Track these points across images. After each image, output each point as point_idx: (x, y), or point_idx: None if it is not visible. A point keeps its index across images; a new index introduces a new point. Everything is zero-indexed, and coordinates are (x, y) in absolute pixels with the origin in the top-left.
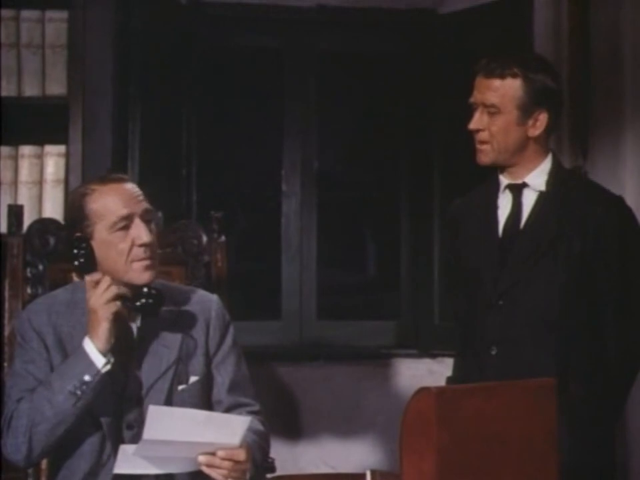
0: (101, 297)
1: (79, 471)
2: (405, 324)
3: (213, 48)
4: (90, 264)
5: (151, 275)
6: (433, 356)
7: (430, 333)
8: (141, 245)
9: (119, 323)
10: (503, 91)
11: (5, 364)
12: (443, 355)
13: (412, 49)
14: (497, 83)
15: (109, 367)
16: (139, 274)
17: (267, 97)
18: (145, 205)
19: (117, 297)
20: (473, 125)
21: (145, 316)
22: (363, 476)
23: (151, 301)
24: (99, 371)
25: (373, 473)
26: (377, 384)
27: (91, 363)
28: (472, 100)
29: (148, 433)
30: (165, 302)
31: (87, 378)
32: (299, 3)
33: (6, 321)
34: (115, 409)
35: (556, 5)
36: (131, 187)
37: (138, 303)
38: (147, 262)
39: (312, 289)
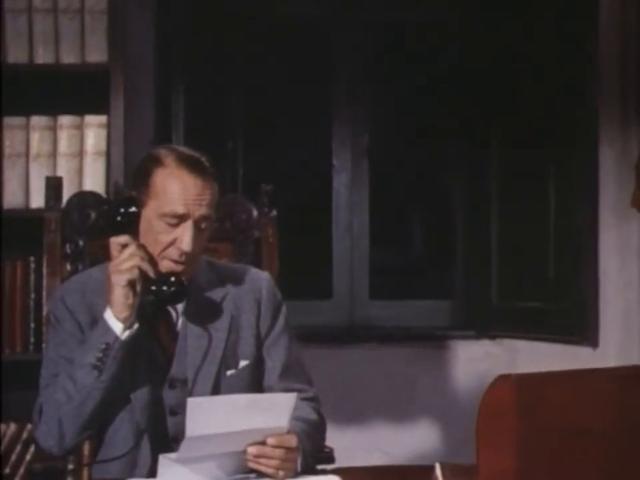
0: (120, 262)
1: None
2: (460, 303)
3: (258, 17)
4: (128, 228)
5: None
6: (492, 337)
7: (487, 312)
8: (179, 249)
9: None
10: None
11: (44, 344)
12: (502, 337)
13: (466, 17)
14: None
15: (127, 333)
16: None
17: (315, 68)
18: (205, 210)
19: (138, 269)
20: None
21: (160, 304)
22: (430, 468)
23: (173, 289)
24: (117, 338)
25: (443, 466)
26: (432, 367)
27: (108, 330)
28: None
29: (190, 429)
30: (214, 281)
31: (104, 346)
32: None
33: (44, 300)
34: (154, 394)
35: None
36: (202, 185)
37: (154, 287)
38: (177, 266)
39: (363, 268)
